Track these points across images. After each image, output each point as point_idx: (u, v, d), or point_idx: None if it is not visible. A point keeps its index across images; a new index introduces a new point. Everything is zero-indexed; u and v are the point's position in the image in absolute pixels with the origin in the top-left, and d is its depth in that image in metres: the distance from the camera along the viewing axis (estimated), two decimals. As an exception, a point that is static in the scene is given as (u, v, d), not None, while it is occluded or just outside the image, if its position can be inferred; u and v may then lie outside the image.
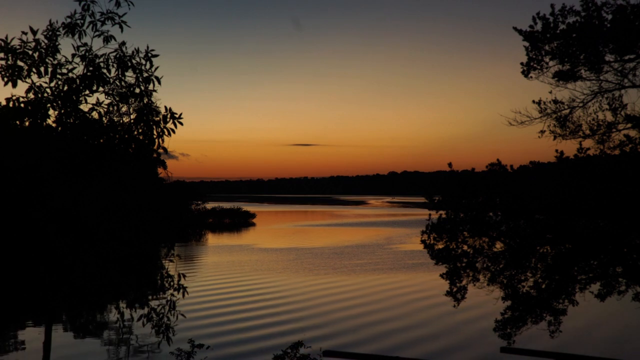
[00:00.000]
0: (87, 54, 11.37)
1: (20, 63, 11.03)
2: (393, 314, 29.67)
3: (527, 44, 17.21)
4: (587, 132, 17.34)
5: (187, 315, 21.36)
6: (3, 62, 10.95)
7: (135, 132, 11.48)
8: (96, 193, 11.30)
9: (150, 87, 11.58)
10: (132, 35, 12.77)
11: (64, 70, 11.26)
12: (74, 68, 11.32)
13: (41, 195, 10.94)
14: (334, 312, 29.93)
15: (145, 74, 11.55)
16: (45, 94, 11.14)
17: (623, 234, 15.60)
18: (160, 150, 11.70)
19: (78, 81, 11.26)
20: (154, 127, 11.45)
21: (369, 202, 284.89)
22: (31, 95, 11.05)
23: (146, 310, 12.19)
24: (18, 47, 10.98)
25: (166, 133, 11.47)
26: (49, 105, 11.10)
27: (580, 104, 17.38)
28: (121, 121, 11.53)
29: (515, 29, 17.39)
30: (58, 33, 11.25)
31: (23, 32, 11.05)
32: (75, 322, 26.93)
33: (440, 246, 16.76)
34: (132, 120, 11.51)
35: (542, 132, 17.71)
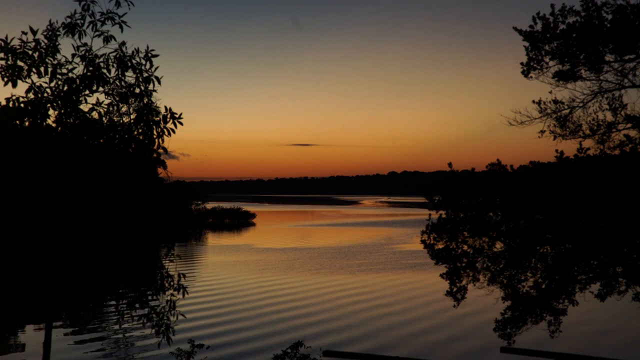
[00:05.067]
0: (87, 54, 11.36)
1: (20, 63, 11.01)
2: (393, 314, 29.67)
3: (527, 44, 17.21)
4: (587, 132, 17.34)
5: (187, 315, 21.35)
6: (3, 62, 10.94)
7: (135, 132, 11.47)
8: (96, 193, 11.29)
9: (150, 87, 11.57)
10: (132, 35, 12.78)
11: (64, 70, 11.25)
12: (74, 68, 11.31)
13: (41, 195, 10.94)
14: (334, 312, 29.93)
15: (145, 74, 11.54)
16: (45, 94, 11.14)
17: (623, 234, 15.59)
18: (160, 150, 11.70)
19: (78, 81, 11.25)
20: (154, 127, 11.44)
21: (362, 202, 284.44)
22: (31, 95, 11.04)
23: (146, 310, 12.18)
24: (18, 47, 10.97)
25: (166, 133, 11.46)
26: (49, 105, 11.08)
27: (580, 104, 17.38)
28: (121, 121, 11.52)
29: (515, 29, 17.39)
30: (58, 33, 11.24)
31: (23, 32, 11.04)
32: (75, 322, 26.92)
33: (440, 246, 16.76)
34: (132, 120, 11.50)
35: (542, 132, 17.71)
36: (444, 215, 16.84)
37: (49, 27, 11.19)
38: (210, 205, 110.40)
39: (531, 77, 17.46)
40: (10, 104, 10.90)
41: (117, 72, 11.44)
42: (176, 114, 11.48)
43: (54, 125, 11.22)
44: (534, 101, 17.69)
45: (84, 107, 11.39)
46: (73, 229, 11.12)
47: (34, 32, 11.03)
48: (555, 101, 17.49)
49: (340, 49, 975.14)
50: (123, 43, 11.45)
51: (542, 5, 18.99)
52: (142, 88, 11.54)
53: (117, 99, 11.51)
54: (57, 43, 11.22)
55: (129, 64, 11.46)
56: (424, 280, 40.69)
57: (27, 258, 11.18)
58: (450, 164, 17.40)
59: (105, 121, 11.42)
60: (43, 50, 11.10)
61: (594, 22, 16.15)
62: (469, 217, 16.65)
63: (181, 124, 11.52)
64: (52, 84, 11.20)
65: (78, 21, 11.30)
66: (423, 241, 16.89)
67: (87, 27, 11.35)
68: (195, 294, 33.67)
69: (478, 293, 17.68)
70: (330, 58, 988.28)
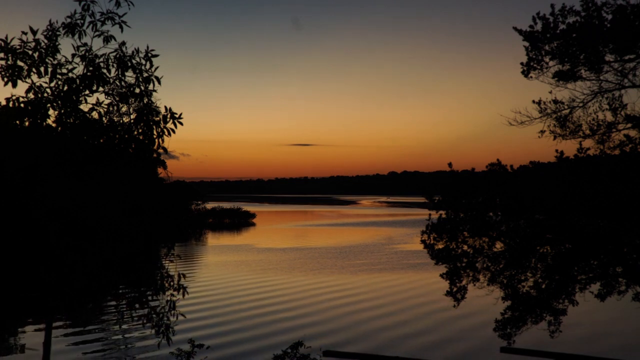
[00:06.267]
0: (87, 54, 11.36)
1: (20, 63, 11.01)
2: (393, 314, 29.67)
3: (527, 44, 17.20)
4: (587, 132, 17.33)
5: (187, 315, 21.35)
6: (3, 62, 10.94)
7: (135, 132, 11.47)
8: (96, 193, 11.29)
9: (150, 87, 11.57)
10: (132, 35, 12.77)
11: (64, 70, 11.25)
12: (74, 68, 11.31)
13: (41, 195, 10.94)
14: (334, 312, 29.93)
15: (145, 74, 11.53)
16: (45, 94, 11.14)
17: (623, 234, 15.59)
18: (160, 150, 11.70)
19: (78, 81, 11.25)
20: (154, 127, 11.44)
21: (361, 202, 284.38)
22: (31, 95, 11.04)
23: (146, 310, 12.18)
24: (18, 47, 10.97)
25: (166, 133, 11.46)
26: (49, 105, 11.08)
27: (580, 104, 17.37)
28: (121, 121, 11.52)
29: (515, 29, 17.38)
30: (58, 33, 11.23)
31: (23, 32, 11.04)
32: (75, 322, 26.92)
33: (440, 246, 16.75)
34: (132, 120, 11.50)
35: (542, 132, 17.70)
36: (444, 215, 16.83)
37: (49, 27, 11.18)
38: (210, 205, 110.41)
39: (531, 77, 17.45)
40: (10, 104, 10.90)
41: (117, 72, 11.44)
42: (176, 114, 11.48)
43: (54, 125, 11.22)
44: (534, 101, 17.69)
45: (84, 107, 11.39)
46: (73, 229, 11.12)
47: (34, 32, 11.03)
48: (555, 101, 17.48)
49: (340, 49, 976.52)
50: (123, 43, 11.45)
51: (542, 5, 18.98)
52: (142, 88, 11.53)
53: (117, 99, 11.51)
54: (57, 43, 11.22)
55: (129, 64, 11.45)
56: (424, 280, 40.68)
57: (27, 258, 11.18)
58: (450, 164, 17.39)
59: (105, 121, 11.42)
60: (43, 50, 11.09)
61: (594, 22, 16.14)
62: (469, 217, 16.64)
63: (181, 124, 11.52)
64: (52, 84, 11.20)
65: (78, 21, 11.30)
66: (423, 241, 16.88)
67: (87, 27, 11.35)
68: (195, 294, 33.67)
69: (478, 293, 17.68)
70: (330, 58, 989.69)
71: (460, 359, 21.58)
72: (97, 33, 11.37)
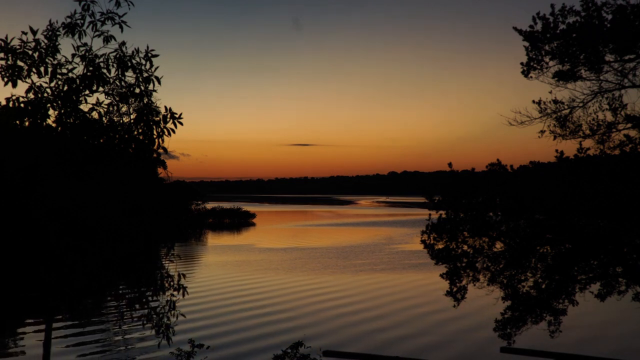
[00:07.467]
0: (87, 54, 11.36)
1: (20, 63, 11.01)
2: (393, 313, 29.67)
3: (527, 44, 17.19)
4: (587, 132, 17.32)
5: (187, 315, 21.35)
6: (3, 62, 10.94)
7: (135, 132, 11.46)
8: (96, 193, 11.29)
9: (150, 87, 11.57)
10: (132, 35, 12.75)
11: (64, 70, 11.24)
12: (74, 68, 11.30)
13: (41, 195, 10.94)
14: (335, 312, 29.93)
15: (145, 74, 11.52)
16: (45, 94, 11.13)
17: (623, 234, 15.58)
18: (160, 150, 11.69)
19: (78, 81, 11.25)
20: (154, 127, 11.43)
21: (360, 202, 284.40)
22: (31, 95, 11.03)
23: (146, 310, 12.18)
24: (18, 47, 10.96)
25: (166, 133, 11.46)
26: (49, 105, 11.08)
27: (580, 104, 17.36)
28: (121, 121, 11.52)
29: (515, 29, 17.37)
30: (58, 33, 11.23)
31: (23, 32, 11.03)
32: (75, 322, 26.92)
33: (440, 246, 16.74)
34: (132, 120, 11.50)
35: (542, 132, 17.69)
36: (444, 215, 16.82)
37: (49, 27, 11.18)
38: (210, 205, 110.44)
39: (531, 77, 17.44)
40: (10, 104, 10.90)
41: (117, 72, 11.43)
42: (176, 114, 11.48)
43: (54, 125, 11.22)
44: (534, 101, 17.67)
45: (84, 107, 11.39)
46: (73, 229, 11.12)
47: (34, 32, 11.03)
48: (555, 101, 17.47)
49: (340, 49, 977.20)
50: (123, 43, 11.44)
51: (542, 5, 18.95)
52: (142, 88, 11.53)
53: (117, 99, 11.50)
54: (57, 43, 11.21)
55: (129, 64, 11.45)
56: (424, 280, 40.68)
57: (27, 258, 11.18)
58: (450, 164, 17.38)
59: (105, 121, 11.41)
60: (43, 50, 11.09)
61: (594, 22, 16.13)
62: (469, 217, 16.63)
63: (181, 124, 11.52)
64: (52, 84, 11.19)
65: (78, 21, 11.29)
66: (423, 241, 16.87)
67: (87, 27, 11.34)
68: (195, 294, 33.67)
69: (478, 293, 17.68)
70: (330, 58, 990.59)
71: (460, 359, 21.58)
72: (97, 33, 11.36)
